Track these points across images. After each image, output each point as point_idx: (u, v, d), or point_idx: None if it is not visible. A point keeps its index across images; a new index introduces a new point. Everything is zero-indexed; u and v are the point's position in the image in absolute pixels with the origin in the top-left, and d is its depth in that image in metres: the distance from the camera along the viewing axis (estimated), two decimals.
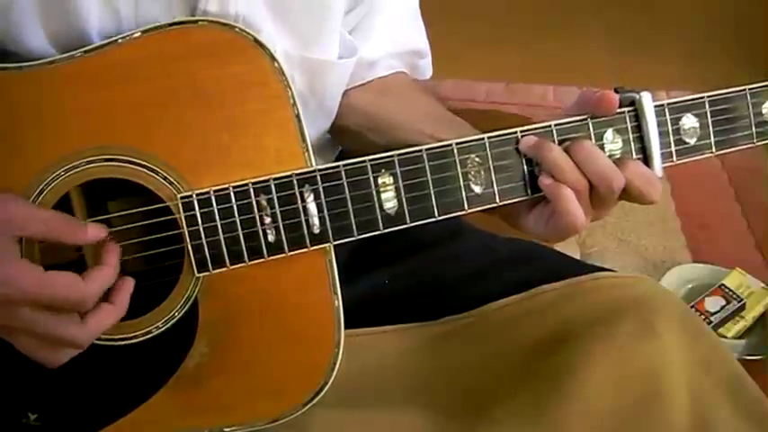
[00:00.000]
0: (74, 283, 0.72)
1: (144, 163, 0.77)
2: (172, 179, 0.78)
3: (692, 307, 1.67)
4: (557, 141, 0.83)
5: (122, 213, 0.80)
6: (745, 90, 0.87)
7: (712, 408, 0.84)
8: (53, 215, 0.74)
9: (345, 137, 0.99)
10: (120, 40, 0.78)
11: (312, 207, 0.79)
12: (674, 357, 0.84)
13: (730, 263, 1.79)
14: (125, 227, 0.80)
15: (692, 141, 0.86)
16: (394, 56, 1.01)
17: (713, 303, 1.70)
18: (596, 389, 0.82)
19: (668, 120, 0.85)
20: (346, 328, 0.83)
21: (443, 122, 0.93)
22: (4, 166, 0.77)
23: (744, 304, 1.70)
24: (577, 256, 1.79)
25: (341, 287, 0.82)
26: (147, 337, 0.80)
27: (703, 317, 1.67)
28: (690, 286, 1.79)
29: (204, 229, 0.78)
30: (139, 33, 0.78)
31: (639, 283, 0.91)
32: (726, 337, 1.65)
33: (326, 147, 1.02)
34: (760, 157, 2.10)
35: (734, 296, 1.71)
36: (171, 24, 0.78)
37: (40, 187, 0.76)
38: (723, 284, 1.73)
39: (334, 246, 0.81)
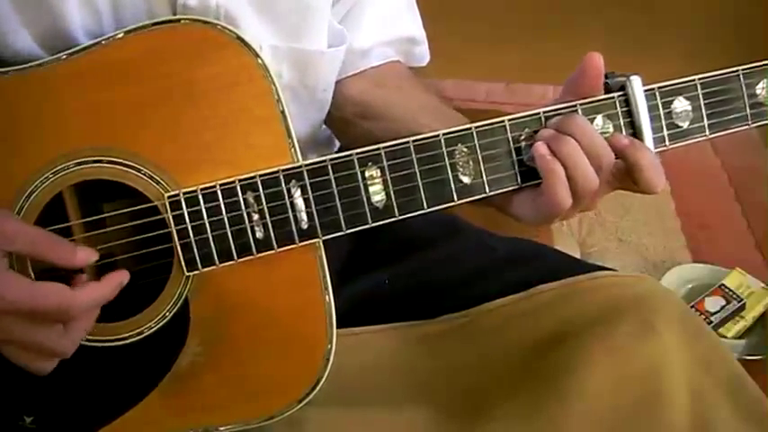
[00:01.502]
0: (61, 292, 0.72)
1: (131, 163, 0.77)
2: (159, 179, 0.77)
3: (692, 307, 1.67)
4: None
5: (112, 214, 0.79)
6: (737, 71, 0.85)
7: (712, 408, 0.83)
8: (42, 234, 0.74)
9: (342, 127, 0.99)
10: (103, 42, 0.77)
11: (300, 202, 0.78)
12: (674, 357, 0.83)
13: (730, 263, 1.79)
14: (118, 227, 0.79)
15: (685, 125, 0.85)
16: (387, 44, 1.01)
17: (713, 303, 1.70)
18: (596, 389, 0.82)
19: (659, 103, 0.83)
20: (347, 327, 0.82)
21: (439, 115, 0.92)
22: (3, 167, 0.76)
23: (744, 304, 1.69)
24: (577, 256, 1.79)
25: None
26: (140, 337, 0.79)
27: (703, 317, 1.66)
28: (690, 286, 1.79)
29: (192, 227, 0.77)
30: (122, 34, 0.77)
31: (639, 283, 0.90)
32: (726, 337, 1.65)
33: (323, 142, 1.02)
34: (760, 157, 2.10)
35: (734, 296, 1.70)
36: (154, 24, 0.78)
37: (31, 188, 0.76)
38: (723, 284, 1.73)
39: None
